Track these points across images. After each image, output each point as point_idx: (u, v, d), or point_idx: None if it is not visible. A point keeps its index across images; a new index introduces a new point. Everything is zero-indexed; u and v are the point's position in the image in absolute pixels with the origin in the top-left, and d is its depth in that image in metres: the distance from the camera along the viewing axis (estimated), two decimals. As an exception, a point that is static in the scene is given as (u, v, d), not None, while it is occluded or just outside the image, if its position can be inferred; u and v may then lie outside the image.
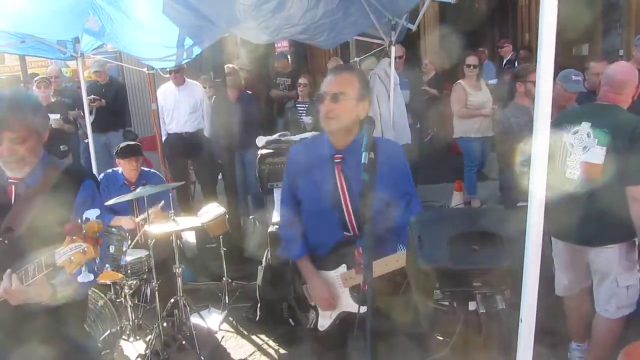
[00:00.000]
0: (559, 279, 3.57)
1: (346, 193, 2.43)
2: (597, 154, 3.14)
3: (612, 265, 3.19)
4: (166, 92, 6.69)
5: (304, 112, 7.04)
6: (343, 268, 2.46)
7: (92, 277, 3.53)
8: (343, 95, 2.34)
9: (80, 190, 2.27)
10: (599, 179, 3.11)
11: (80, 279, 3.24)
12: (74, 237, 1.92)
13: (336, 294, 2.48)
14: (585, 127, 3.23)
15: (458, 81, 6.64)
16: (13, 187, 2.22)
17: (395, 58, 6.07)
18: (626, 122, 3.12)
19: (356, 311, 2.34)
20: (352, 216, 2.44)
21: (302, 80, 7.24)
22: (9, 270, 2.04)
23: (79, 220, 2.01)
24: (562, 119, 3.43)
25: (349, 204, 2.43)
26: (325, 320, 2.51)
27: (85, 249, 1.90)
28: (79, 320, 2.46)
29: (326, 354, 2.63)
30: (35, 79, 7.24)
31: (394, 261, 2.33)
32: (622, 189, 3.02)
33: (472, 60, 6.52)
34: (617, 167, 3.03)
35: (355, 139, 2.43)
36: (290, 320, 2.73)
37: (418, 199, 2.56)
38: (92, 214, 2.43)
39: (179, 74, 6.58)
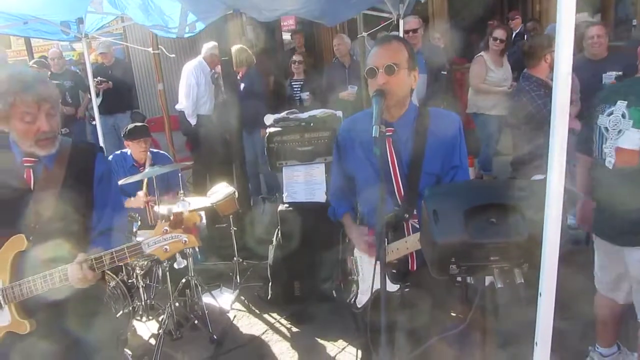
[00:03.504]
0: (598, 276, 3.24)
1: (396, 167, 2.35)
2: (632, 139, 2.74)
3: None
4: (203, 72, 6.50)
5: (299, 89, 6.99)
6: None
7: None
8: (397, 67, 2.23)
9: (97, 165, 2.26)
10: (634, 168, 2.73)
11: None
12: (168, 229, 2.01)
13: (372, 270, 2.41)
14: (620, 106, 2.82)
15: (480, 53, 6.40)
16: (31, 171, 2.17)
17: (409, 31, 5.90)
18: None
19: (390, 290, 2.32)
20: (402, 189, 2.36)
21: (296, 58, 7.17)
22: (80, 257, 2.03)
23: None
24: (597, 99, 3.04)
25: (398, 178, 2.36)
26: (364, 297, 2.47)
27: (186, 239, 2.02)
28: (106, 307, 2.52)
29: (363, 330, 2.57)
30: (31, 62, 7.19)
31: (403, 245, 2.29)
32: None
33: (499, 33, 6.21)
34: None
35: (406, 111, 2.37)
36: (333, 292, 2.69)
37: (466, 172, 2.45)
38: (184, 206, 2.46)
39: (217, 57, 6.50)
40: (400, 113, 2.36)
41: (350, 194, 2.63)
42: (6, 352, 2.17)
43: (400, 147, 2.35)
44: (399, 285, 2.37)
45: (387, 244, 2.30)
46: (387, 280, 2.31)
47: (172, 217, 2.03)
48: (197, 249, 4.67)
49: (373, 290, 2.32)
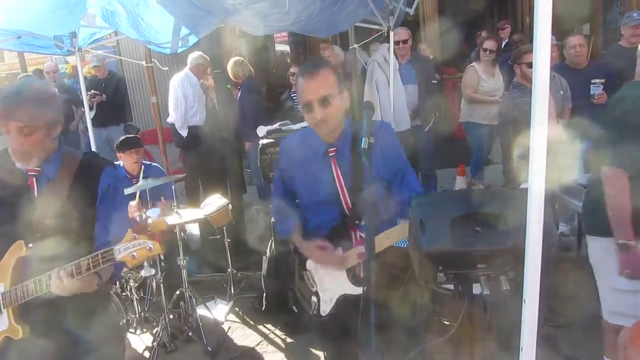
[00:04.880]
0: None
1: (342, 183, 2.47)
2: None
3: (598, 261, 2.92)
4: (190, 83, 6.48)
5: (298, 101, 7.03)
6: (339, 252, 2.47)
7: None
8: (331, 97, 2.32)
9: (102, 179, 2.28)
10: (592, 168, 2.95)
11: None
12: (136, 235, 1.97)
13: (334, 277, 2.49)
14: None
15: (471, 64, 6.47)
16: (34, 179, 2.21)
17: (399, 42, 5.98)
18: (618, 99, 2.83)
19: (354, 293, 2.41)
20: (349, 202, 2.47)
21: (293, 70, 7.22)
22: (55, 269, 2.04)
23: (138, 218, 2.07)
24: None
25: (345, 193, 2.47)
26: (326, 305, 2.53)
27: (151, 246, 1.98)
28: (105, 305, 2.50)
29: (331, 339, 2.63)
30: (19, 77, 7.22)
31: (396, 233, 2.33)
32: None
33: (489, 44, 6.27)
34: (598, 152, 2.84)
35: (344, 130, 2.48)
36: (294, 307, 2.73)
37: (412, 170, 2.58)
38: (153, 213, 2.43)
39: (204, 66, 6.56)
40: (338, 134, 2.46)
41: (294, 210, 2.67)
42: (4, 356, 2.20)
43: (343, 163, 2.47)
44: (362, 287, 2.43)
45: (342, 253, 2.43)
46: (350, 285, 2.45)
47: (138, 225, 2.01)
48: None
49: (338, 296, 2.45)
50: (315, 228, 2.58)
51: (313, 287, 2.57)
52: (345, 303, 2.46)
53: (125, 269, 3.97)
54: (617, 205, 2.71)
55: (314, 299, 2.56)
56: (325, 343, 2.78)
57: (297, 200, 2.69)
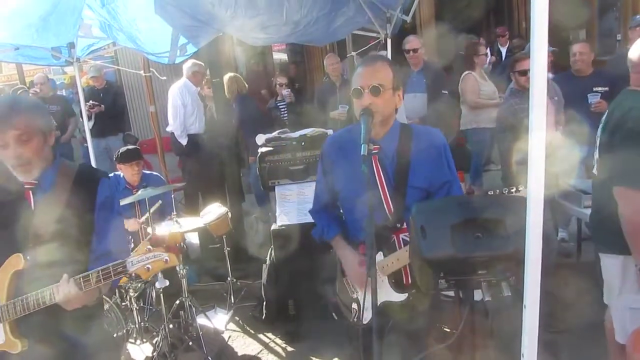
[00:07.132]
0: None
1: (384, 182, 2.40)
2: (597, 150, 2.85)
3: (614, 279, 2.79)
4: (188, 92, 6.51)
5: (285, 109, 7.11)
6: (380, 256, 2.39)
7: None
8: (382, 87, 2.28)
9: (99, 190, 2.28)
10: (597, 179, 2.87)
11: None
12: (150, 247, 1.99)
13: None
14: (605, 117, 2.84)
15: (468, 72, 6.52)
16: (30, 192, 2.20)
17: (409, 51, 5.98)
18: (627, 111, 2.60)
19: (397, 300, 2.36)
20: (390, 204, 2.40)
21: (279, 80, 7.26)
22: (65, 276, 2.04)
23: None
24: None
25: (387, 192, 2.40)
26: (368, 312, 2.44)
27: (167, 258, 2.00)
28: (100, 312, 2.51)
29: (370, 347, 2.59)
30: (13, 89, 7.23)
31: (403, 255, 2.29)
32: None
33: (484, 49, 6.45)
34: (608, 166, 2.70)
35: (391, 129, 2.42)
36: (334, 315, 2.68)
37: (459, 185, 2.49)
38: (169, 225, 2.35)
39: (200, 73, 6.56)
40: (385, 131, 2.41)
41: (335, 211, 2.64)
42: None
43: (386, 163, 2.40)
44: (406, 294, 2.38)
45: (383, 257, 2.37)
46: (392, 291, 2.38)
47: (154, 236, 2.03)
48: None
49: (379, 303, 2.29)
50: (355, 231, 2.52)
51: (354, 293, 2.52)
52: (386, 310, 2.38)
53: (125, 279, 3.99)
54: (632, 226, 2.54)
55: (354, 305, 2.52)
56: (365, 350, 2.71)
57: (338, 203, 2.63)
